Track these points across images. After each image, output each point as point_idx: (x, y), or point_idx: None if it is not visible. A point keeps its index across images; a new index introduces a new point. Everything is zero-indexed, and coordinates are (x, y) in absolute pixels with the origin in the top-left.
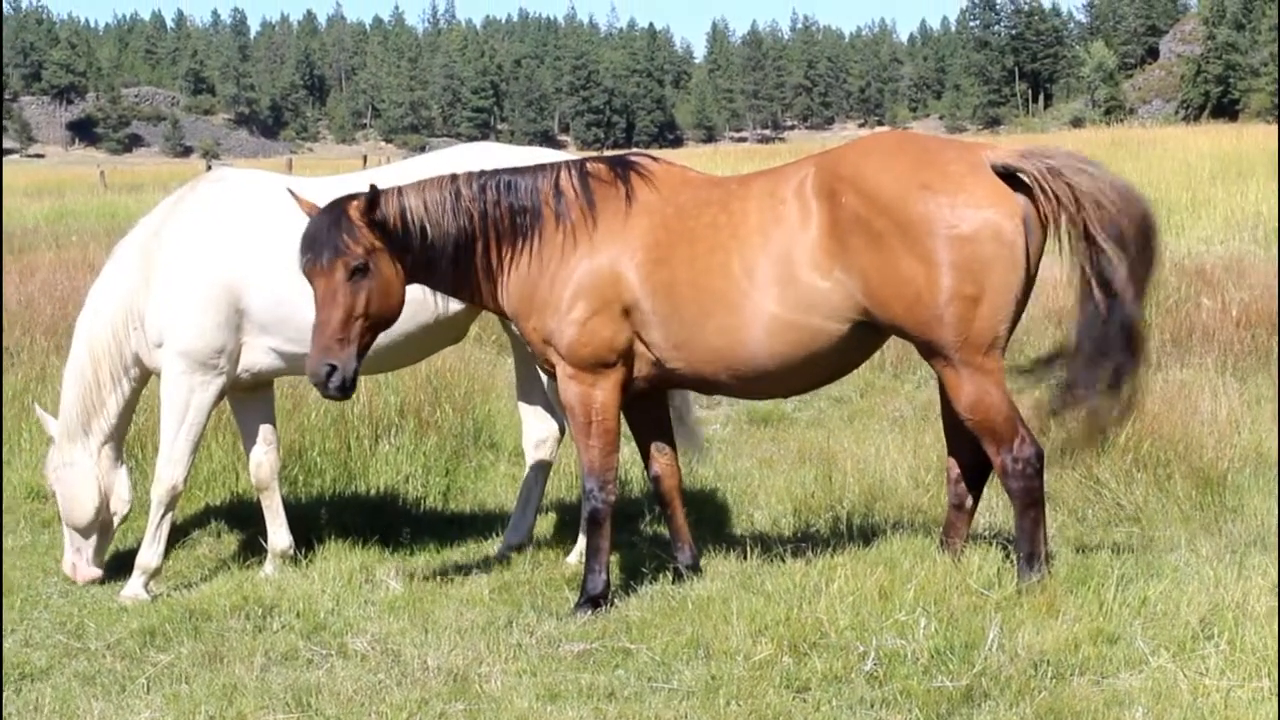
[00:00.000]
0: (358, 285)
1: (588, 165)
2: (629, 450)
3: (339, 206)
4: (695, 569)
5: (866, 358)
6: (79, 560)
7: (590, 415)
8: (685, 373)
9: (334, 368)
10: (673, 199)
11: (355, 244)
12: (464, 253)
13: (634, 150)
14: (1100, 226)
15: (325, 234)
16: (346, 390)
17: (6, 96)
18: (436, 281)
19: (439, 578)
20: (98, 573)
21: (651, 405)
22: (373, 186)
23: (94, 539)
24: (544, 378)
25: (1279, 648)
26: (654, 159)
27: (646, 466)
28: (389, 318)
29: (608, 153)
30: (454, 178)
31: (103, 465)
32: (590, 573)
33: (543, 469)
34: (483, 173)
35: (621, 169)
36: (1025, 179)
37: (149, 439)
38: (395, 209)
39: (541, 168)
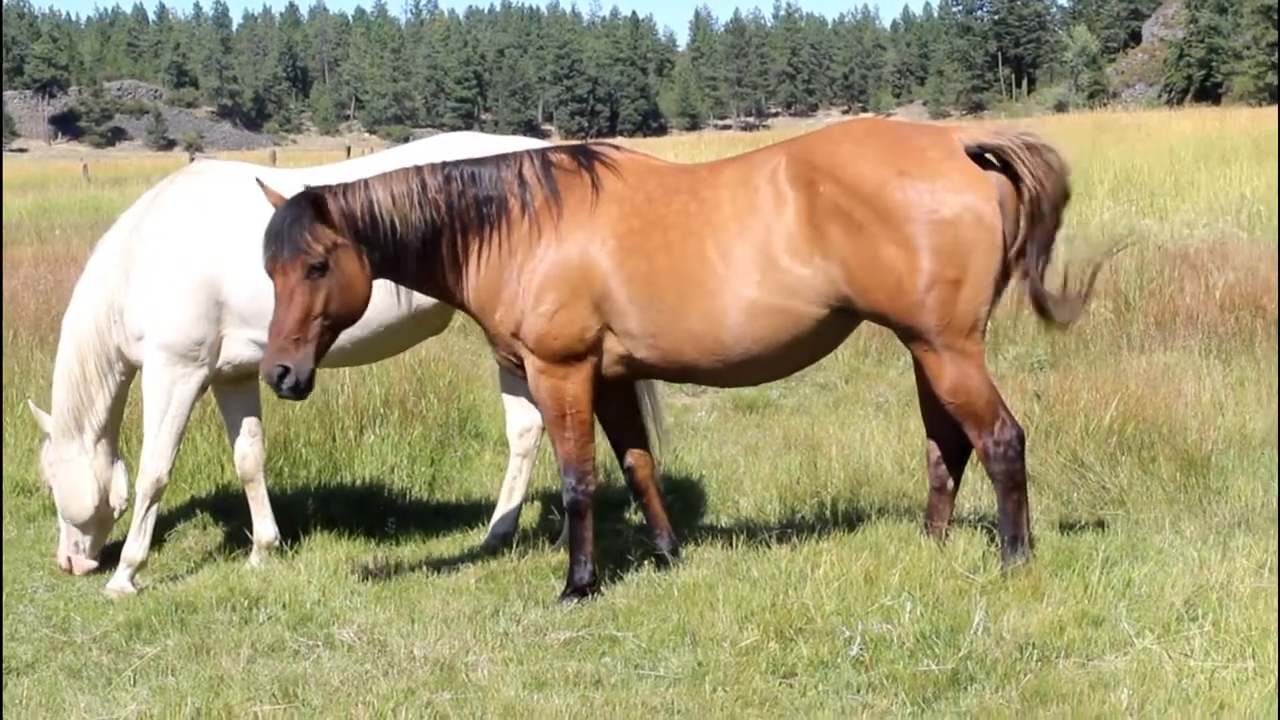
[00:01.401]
0: (316, 284)
1: (550, 155)
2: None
3: (302, 201)
4: (676, 555)
5: (840, 342)
6: (75, 553)
7: (563, 408)
8: (660, 361)
9: (287, 369)
10: (640, 187)
11: (315, 241)
12: (430, 246)
13: (597, 140)
14: (1056, 200)
15: (286, 230)
16: (300, 391)
17: None
18: (403, 276)
19: (425, 568)
20: (94, 564)
21: (621, 396)
22: (313, 187)
23: (92, 533)
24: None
25: (1279, 626)
26: (617, 147)
27: (619, 458)
28: (351, 316)
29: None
30: (418, 169)
31: (99, 461)
32: (575, 563)
33: (527, 457)
34: (445, 163)
35: (585, 158)
36: (1003, 155)
37: (134, 432)
38: (362, 202)
39: (504, 158)
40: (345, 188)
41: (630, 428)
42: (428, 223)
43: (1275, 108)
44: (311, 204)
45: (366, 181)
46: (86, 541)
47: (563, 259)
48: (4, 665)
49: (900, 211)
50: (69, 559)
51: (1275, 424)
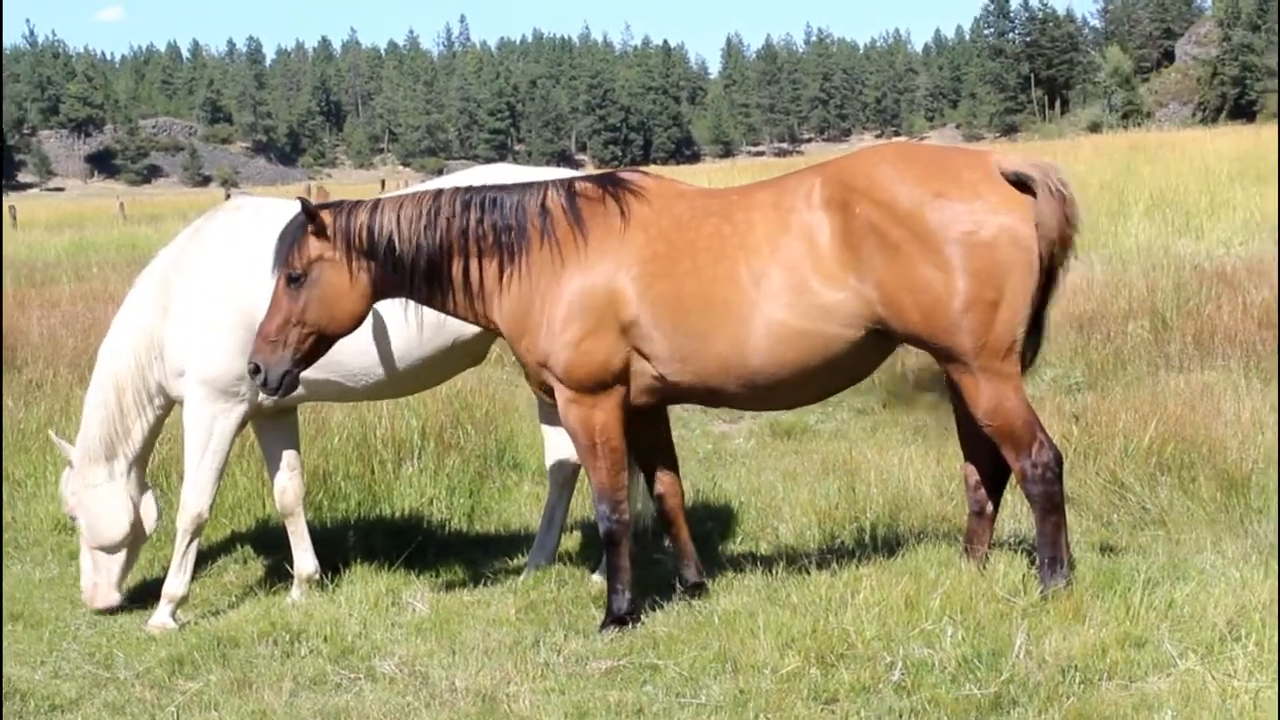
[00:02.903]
0: (295, 293)
1: (575, 184)
2: None
3: (298, 216)
4: (701, 588)
5: (875, 368)
6: (101, 582)
7: (594, 437)
8: (692, 385)
9: (258, 368)
10: (667, 211)
11: (297, 255)
12: (439, 269)
13: (624, 167)
14: (1068, 252)
15: (280, 241)
16: (271, 389)
17: (25, 130)
18: (414, 295)
19: (466, 599)
20: (117, 598)
21: (653, 423)
22: (304, 200)
23: (120, 561)
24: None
25: (1279, 648)
26: (644, 173)
27: (649, 485)
28: (335, 327)
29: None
30: (437, 194)
31: (131, 484)
32: (613, 592)
33: (566, 487)
34: (468, 189)
35: (611, 186)
36: (1035, 188)
37: (174, 468)
38: (362, 221)
39: (528, 186)
40: (351, 205)
41: (661, 454)
42: (436, 247)
43: None
44: (305, 219)
45: (377, 202)
46: (115, 571)
47: (588, 287)
48: (49, 703)
49: (938, 232)
50: (94, 585)
51: (1276, 424)
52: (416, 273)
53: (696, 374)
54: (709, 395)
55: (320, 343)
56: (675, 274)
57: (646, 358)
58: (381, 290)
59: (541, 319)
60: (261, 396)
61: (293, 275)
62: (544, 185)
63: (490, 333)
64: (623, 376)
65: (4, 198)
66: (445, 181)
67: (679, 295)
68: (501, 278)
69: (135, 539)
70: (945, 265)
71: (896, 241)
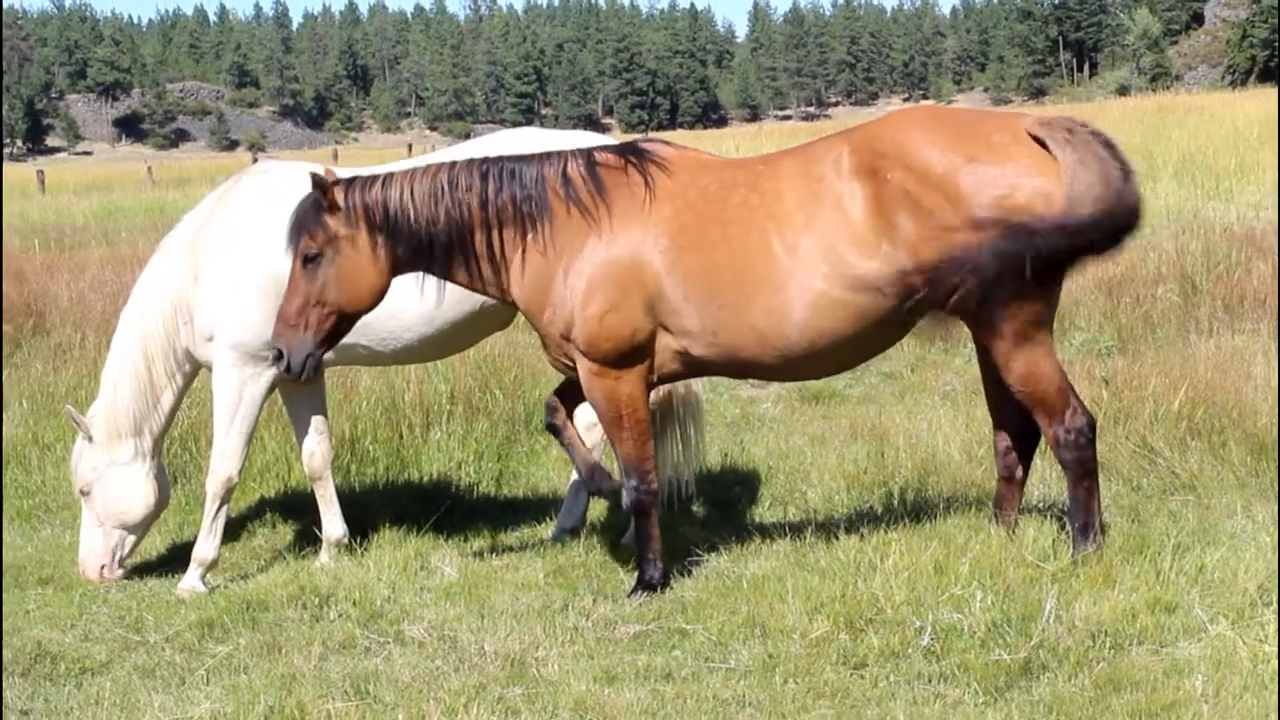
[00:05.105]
0: (313, 273)
1: (595, 154)
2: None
3: (311, 193)
4: (614, 493)
5: (907, 332)
6: (109, 558)
7: (619, 409)
8: (719, 358)
9: (280, 353)
10: (693, 183)
11: (311, 235)
12: (460, 242)
13: (646, 136)
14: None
15: (294, 221)
16: (293, 373)
17: (53, 94)
18: (434, 270)
19: (494, 563)
20: (121, 573)
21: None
22: (316, 177)
23: (134, 539)
24: None
25: (1279, 638)
26: (666, 143)
27: (566, 413)
28: (355, 305)
29: (653, 134)
30: (453, 165)
31: (156, 462)
32: (644, 562)
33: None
34: (484, 160)
35: (634, 156)
36: (1054, 147)
37: (202, 432)
38: (376, 197)
39: (547, 156)
40: (365, 181)
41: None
42: (456, 220)
43: None
44: (317, 197)
45: (389, 176)
46: (126, 548)
47: (613, 259)
48: (79, 666)
49: (972, 197)
50: (102, 567)
51: (1275, 419)
52: (435, 247)
53: (729, 345)
54: (740, 367)
55: (342, 322)
56: (703, 246)
57: (673, 331)
58: (399, 265)
59: (565, 291)
60: None
61: (309, 255)
62: (562, 155)
63: None
64: (648, 349)
65: (32, 161)
66: (473, 145)
67: (708, 268)
68: (522, 250)
69: (152, 518)
70: (979, 230)
71: (929, 207)
